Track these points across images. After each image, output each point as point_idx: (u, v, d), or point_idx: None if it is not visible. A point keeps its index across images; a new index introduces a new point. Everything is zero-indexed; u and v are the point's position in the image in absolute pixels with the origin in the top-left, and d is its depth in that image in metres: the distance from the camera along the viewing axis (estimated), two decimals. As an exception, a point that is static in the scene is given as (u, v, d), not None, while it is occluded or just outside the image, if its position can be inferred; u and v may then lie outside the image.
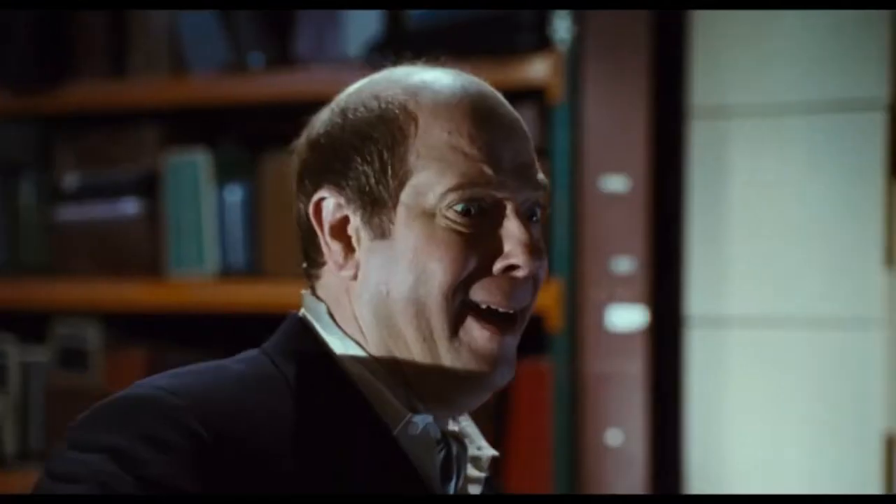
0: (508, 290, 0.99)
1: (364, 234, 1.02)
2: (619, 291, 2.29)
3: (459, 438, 1.04)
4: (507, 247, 0.98)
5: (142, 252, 2.72)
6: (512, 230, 0.99)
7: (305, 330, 1.04)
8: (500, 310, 1.00)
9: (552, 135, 2.34)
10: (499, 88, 2.62)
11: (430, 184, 0.99)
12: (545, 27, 2.35)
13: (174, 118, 2.74)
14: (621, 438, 2.29)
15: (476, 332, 0.99)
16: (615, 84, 2.32)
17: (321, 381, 1.00)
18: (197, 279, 2.67)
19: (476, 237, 0.98)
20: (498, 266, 0.99)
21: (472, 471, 1.04)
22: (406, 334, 1.00)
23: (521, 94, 2.42)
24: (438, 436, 1.02)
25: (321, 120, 1.06)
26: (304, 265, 1.09)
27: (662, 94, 2.30)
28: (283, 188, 2.62)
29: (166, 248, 2.70)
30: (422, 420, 1.01)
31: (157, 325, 2.78)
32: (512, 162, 0.98)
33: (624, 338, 2.29)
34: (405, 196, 0.99)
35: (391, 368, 1.02)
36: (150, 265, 2.72)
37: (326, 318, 1.04)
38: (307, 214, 1.05)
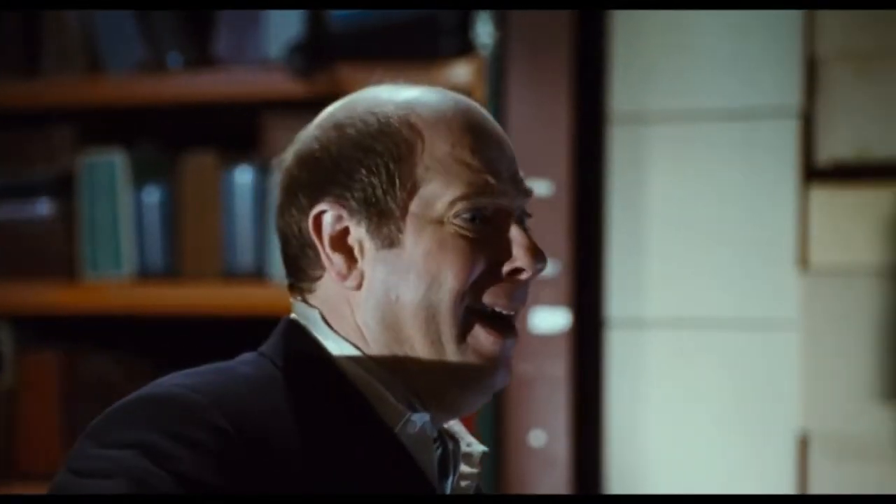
0: (512, 293, 1.08)
1: (369, 245, 1.09)
2: (542, 294, 2.45)
3: (453, 436, 1.14)
4: (513, 251, 1.08)
5: (56, 254, 2.79)
6: (516, 235, 1.08)
7: (302, 334, 1.11)
8: (504, 312, 1.09)
9: (475, 138, 2.48)
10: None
11: (437, 194, 1.07)
12: (468, 31, 2.50)
13: (90, 118, 2.82)
14: (544, 439, 2.45)
15: (482, 336, 1.07)
16: (538, 89, 2.47)
17: (322, 383, 1.08)
18: (113, 281, 2.76)
19: (482, 243, 1.07)
20: (505, 270, 1.08)
21: (464, 467, 1.13)
22: (414, 339, 1.07)
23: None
24: (435, 434, 1.11)
25: (310, 136, 1.13)
26: (291, 278, 1.14)
27: (584, 99, 2.46)
28: (202, 189, 2.73)
29: (82, 250, 2.78)
30: (420, 419, 1.08)
31: (73, 328, 2.87)
32: (508, 171, 1.11)
33: (547, 340, 2.45)
34: (414, 206, 1.07)
35: (392, 371, 1.08)
36: (65, 267, 2.79)
37: (322, 323, 1.11)
38: (300, 228, 1.11)
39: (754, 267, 2.32)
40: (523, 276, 1.08)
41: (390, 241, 1.08)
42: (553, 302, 2.44)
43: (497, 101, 2.47)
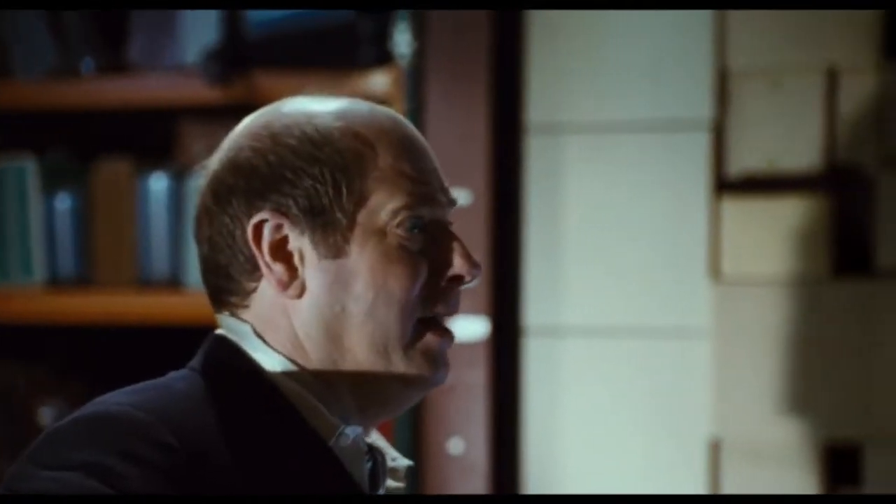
0: (452, 300, 1.17)
1: (312, 254, 1.13)
2: (461, 302, 2.61)
3: (379, 450, 1.20)
4: (452, 260, 1.15)
5: (-35, 262, 2.87)
6: (454, 244, 1.16)
7: (233, 349, 1.15)
8: (445, 317, 1.17)
9: (393, 147, 2.63)
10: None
11: (381, 204, 1.13)
12: (386, 41, 2.65)
13: (1, 125, 2.91)
14: (463, 447, 2.61)
15: (428, 341, 1.14)
16: (456, 99, 2.63)
17: (255, 398, 1.12)
18: (24, 289, 2.85)
19: (424, 252, 1.14)
20: (445, 278, 1.16)
21: (390, 482, 1.20)
22: (357, 348, 1.13)
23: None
24: (366, 447, 1.17)
25: (242, 143, 1.17)
26: (218, 290, 1.17)
27: (502, 109, 2.62)
28: (116, 196, 2.84)
29: (-8, 258, 2.86)
30: (353, 431, 1.14)
31: (-18, 337, 2.94)
32: (439, 181, 1.20)
33: (466, 348, 2.61)
34: (359, 216, 1.13)
35: (330, 381, 1.14)
36: (-26, 275, 2.87)
37: (253, 337, 1.15)
38: (234, 236, 1.15)
39: (668, 276, 2.50)
40: (464, 283, 1.16)
41: (335, 251, 1.13)
42: (471, 310, 2.61)
43: (415, 111, 2.62)
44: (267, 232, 1.14)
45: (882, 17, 2.40)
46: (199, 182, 1.19)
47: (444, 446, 2.61)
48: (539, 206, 2.58)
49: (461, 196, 2.60)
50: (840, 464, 2.42)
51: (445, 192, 1.20)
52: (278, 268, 1.14)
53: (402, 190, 1.14)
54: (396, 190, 1.14)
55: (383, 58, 2.64)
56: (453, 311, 1.18)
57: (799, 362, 2.43)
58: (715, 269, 2.49)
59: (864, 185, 2.42)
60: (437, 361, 1.15)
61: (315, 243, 1.14)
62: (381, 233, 1.14)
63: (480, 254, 2.59)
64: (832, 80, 2.43)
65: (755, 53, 2.46)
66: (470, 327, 2.60)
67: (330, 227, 1.14)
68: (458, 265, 1.16)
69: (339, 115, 1.16)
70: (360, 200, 1.14)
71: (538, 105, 2.58)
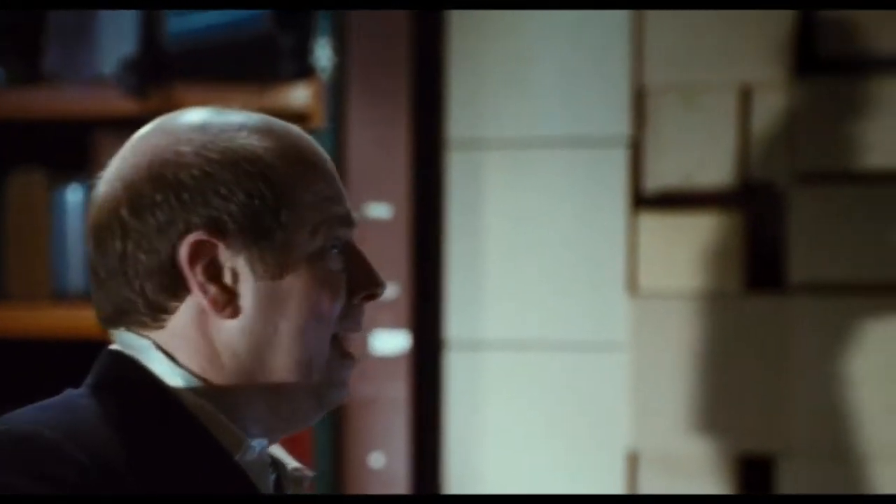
0: (361, 317, 1.21)
1: (247, 275, 1.16)
2: (381, 316, 2.74)
3: (279, 461, 1.23)
4: (366, 278, 1.20)
5: None
6: (366, 263, 1.21)
7: (130, 364, 1.17)
8: (355, 334, 1.21)
9: (314, 161, 2.75)
10: (260, 113, 2.99)
11: (311, 225, 1.17)
12: (307, 54, 2.77)
13: (-87, 136, 2.98)
14: (384, 461, 2.74)
15: (342, 358, 1.20)
16: (377, 113, 2.76)
17: (158, 413, 1.15)
18: (-64, 304, 2.92)
19: (344, 272, 1.19)
20: (360, 296, 1.20)
21: (295, 491, 1.24)
22: (283, 368, 1.16)
23: (284, 120, 2.82)
24: (270, 459, 1.21)
25: (159, 155, 1.17)
26: (120, 305, 1.18)
27: (422, 124, 2.76)
28: (31, 208, 2.92)
29: None
30: (259, 444, 1.18)
31: None
32: (347, 201, 1.24)
33: (387, 362, 2.74)
34: (293, 237, 1.17)
35: (241, 398, 1.17)
36: None
37: (153, 351, 1.17)
38: (153, 252, 1.16)
39: (587, 290, 2.65)
40: (371, 300, 1.21)
41: (271, 272, 1.16)
42: (392, 324, 2.73)
43: (336, 125, 2.75)
44: (201, 251, 1.16)
45: (793, 34, 2.57)
46: (99, 191, 1.19)
47: (365, 461, 2.74)
48: (460, 221, 2.72)
49: (381, 210, 2.74)
50: (753, 476, 2.59)
51: (351, 210, 1.25)
52: (213, 289, 1.16)
53: (328, 211, 1.18)
54: (323, 211, 1.18)
55: (304, 71, 2.76)
56: (361, 328, 1.24)
57: (714, 375, 2.58)
58: (632, 284, 2.64)
59: (776, 201, 2.58)
60: (346, 381, 1.22)
61: (251, 264, 1.16)
62: (313, 254, 1.17)
63: (401, 268, 2.72)
64: (745, 97, 2.59)
65: (671, 71, 2.61)
66: (391, 341, 2.73)
67: (267, 248, 1.16)
68: (369, 283, 1.20)
69: (264, 132, 1.18)
70: (293, 222, 1.17)
71: (459, 120, 2.71)
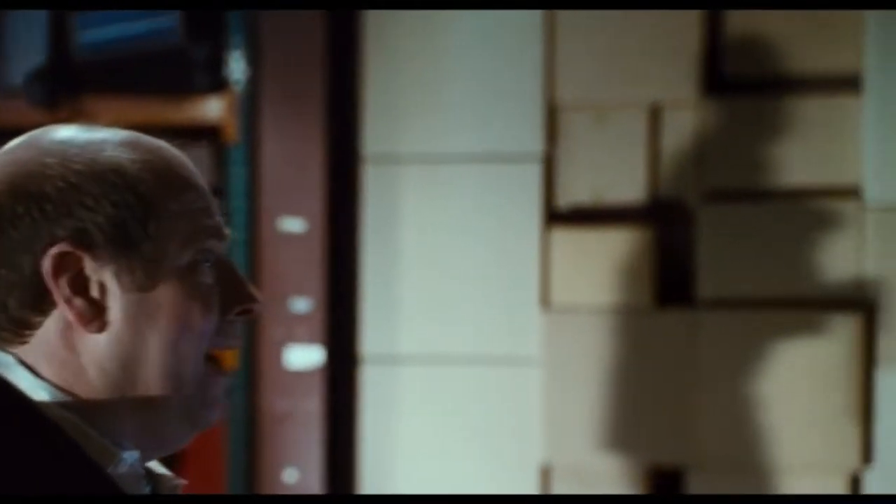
0: (237, 332, 1.23)
1: (114, 288, 1.18)
2: (296, 331, 2.87)
3: (154, 473, 1.25)
4: (239, 293, 1.22)
5: None
6: (240, 277, 1.23)
7: None
8: (232, 349, 1.23)
9: (228, 174, 2.88)
10: (173, 126, 3.13)
11: (181, 237, 1.19)
12: (220, 67, 2.88)
13: None
14: (297, 476, 2.86)
15: (215, 375, 1.22)
16: (291, 127, 2.89)
17: (25, 428, 1.16)
18: None
19: (216, 285, 1.21)
20: (236, 310, 1.21)
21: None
22: (152, 383, 1.19)
23: (197, 133, 2.95)
24: (143, 472, 1.23)
25: (22, 168, 1.18)
26: None
27: (337, 139, 2.89)
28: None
29: None
30: (130, 457, 1.20)
31: None
32: (218, 215, 1.23)
33: (301, 376, 2.86)
34: (161, 249, 1.18)
35: (111, 413, 1.19)
36: None
37: (17, 367, 1.19)
38: (15, 266, 1.17)
39: (501, 305, 2.80)
40: (247, 315, 1.22)
41: (139, 285, 1.18)
42: (307, 339, 2.86)
43: (249, 138, 2.87)
44: (66, 264, 1.17)
45: (702, 55, 2.73)
46: None
47: (279, 476, 2.86)
48: (375, 236, 2.85)
49: (295, 224, 2.86)
50: (663, 488, 2.75)
51: (223, 223, 1.29)
52: (79, 302, 1.17)
53: (198, 223, 1.20)
54: (193, 222, 1.20)
55: (217, 84, 2.88)
56: (238, 343, 1.27)
57: (625, 389, 2.74)
58: (545, 298, 2.79)
59: (685, 217, 2.74)
60: (218, 399, 1.23)
61: (118, 276, 1.18)
62: (183, 267, 1.19)
63: (316, 282, 2.85)
64: (655, 115, 2.75)
65: (583, 89, 2.76)
66: (305, 356, 2.86)
67: (135, 260, 1.18)
68: (243, 298, 1.22)
69: (131, 145, 1.20)
70: (162, 233, 1.19)
71: (374, 135, 2.84)
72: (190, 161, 1.24)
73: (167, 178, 1.19)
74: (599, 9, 2.69)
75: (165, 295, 1.18)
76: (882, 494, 2.63)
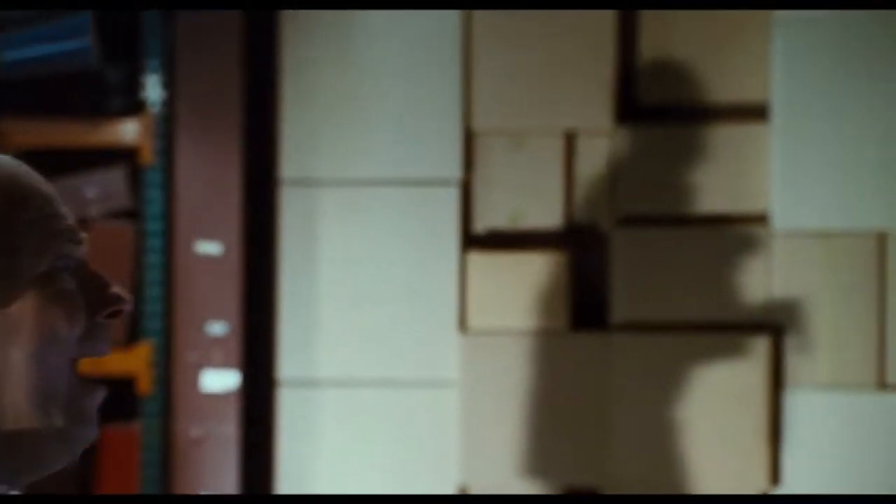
0: (106, 336, 1.23)
1: None
2: (212, 354, 2.99)
3: None
4: (103, 294, 1.22)
5: None
6: (103, 279, 1.23)
7: None
8: (102, 356, 1.23)
9: (144, 197, 3.00)
10: (89, 148, 3.24)
11: (37, 248, 1.20)
12: (136, 90, 3.01)
13: None
14: (215, 500, 2.99)
15: (87, 389, 1.21)
16: (208, 149, 3.01)
17: None
18: None
19: (79, 292, 1.21)
20: (102, 314, 1.22)
21: None
22: (20, 402, 1.18)
23: (113, 155, 3.07)
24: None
25: None
26: None
27: (255, 161, 3.02)
28: None
29: None
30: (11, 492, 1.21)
31: None
32: (71, 219, 1.24)
33: (217, 400, 2.98)
34: (11, 264, 1.19)
35: None
36: None
37: None
38: None
39: (419, 328, 2.94)
40: (117, 317, 1.23)
41: None
42: (223, 363, 2.98)
43: (166, 161, 2.99)
44: None
45: (616, 83, 2.90)
46: None
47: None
48: (292, 259, 2.98)
49: (212, 247, 2.99)
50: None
51: (77, 229, 1.30)
52: None
53: (50, 229, 1.21)
54: (45, 229, 1.20)
55: (133, 106, 3.00)
56: (108, 348, 1.28)
57: (541, 412, 2.89)
58: (462, 322, 2.94)
59: (599, 242, 2.91)
60: (92, 416, 1.22)
61: None
62: (41, 277, 1.20)
63: (232, 305, 2.98)
64: (570, 141, 2.91)
65: (499, 115, 2.92)
66: (221, 380, 2.98)
67: None
68: (109, 299, 1.23)
69: None
70: (12, 244, 1.19)
71: (292, 159, 2.98)
72: (32, 170, 1.25)
73: (9, 189, 1.19)
74: (514, 9, 2.85)
75: (26, 308, 1.18)
76: (882, 494, 2.76)
